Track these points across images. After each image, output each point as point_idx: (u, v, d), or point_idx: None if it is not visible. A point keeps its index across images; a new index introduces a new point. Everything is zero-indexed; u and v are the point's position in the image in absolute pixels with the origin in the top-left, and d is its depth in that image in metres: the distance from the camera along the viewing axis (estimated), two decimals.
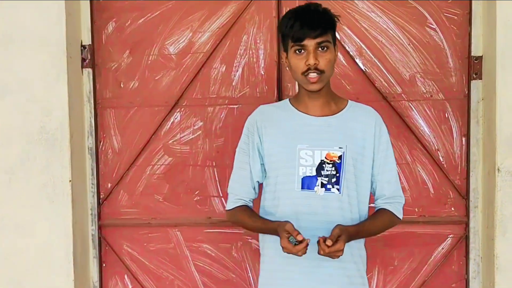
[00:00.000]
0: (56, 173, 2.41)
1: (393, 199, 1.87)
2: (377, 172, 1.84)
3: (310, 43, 1.70)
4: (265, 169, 1.86)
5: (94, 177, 2.58)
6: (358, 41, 2.49)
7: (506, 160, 2.31)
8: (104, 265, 2.63)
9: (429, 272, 2.52)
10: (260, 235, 1.91)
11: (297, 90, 2.43)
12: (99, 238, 2.61)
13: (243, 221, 1.87)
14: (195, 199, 2.57)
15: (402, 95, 2.49)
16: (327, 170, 1.74)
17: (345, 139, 1.77)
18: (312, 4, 1.78)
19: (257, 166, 1.85)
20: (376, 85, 2.49)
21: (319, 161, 1.75)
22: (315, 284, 1.78)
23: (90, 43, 2.54)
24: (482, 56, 2.44)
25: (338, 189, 1.76)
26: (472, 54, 2.45)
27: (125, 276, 2.62)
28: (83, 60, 2.54)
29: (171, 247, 2.59)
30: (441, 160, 2.50)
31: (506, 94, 2.30)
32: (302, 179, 1.75)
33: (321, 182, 1.75)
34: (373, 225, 1.83)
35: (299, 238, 1.61)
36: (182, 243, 2.59)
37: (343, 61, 2.50)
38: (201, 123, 2.56)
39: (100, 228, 2.61)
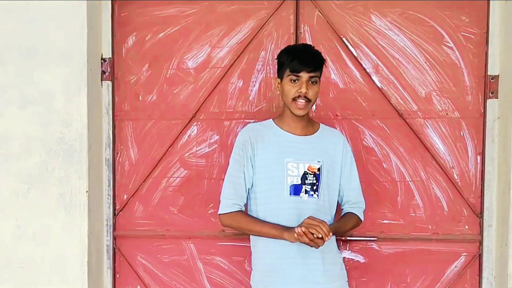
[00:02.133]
0: (74, 184, 2.44)
1: (357, 204, 2.27)
2: (343, 182, 2.24)
3: (304, 75, 2.07)
4: (254, 178, 2.18)
5: (110, 188, 2.61)
6: (375, 58, 2.51)
7: None
8: (117, 275, 2.64)
9: None
10: (252, 238, 2.21)
11: (313, 107, 2.50)
12: (114, 249, 2.63)
13: (241, 224, 2.15)
14: (209, 212, 2.59)
15: (418, 112, 2.51)
16: (309, 179, 2.12)
17: (321, 154, 2.17)
18: (309, 45, 2.18)
19: (250, 174, 2.17)
20: (392, 102, 2.51)
21: (303, 172, 2.11)
22: (303, 272, 2.10)
23: (110, 56, 2.58)
24: (498, 75, 2.45)
25: (317, 195, 2.14)
26: (489, 73, 2.46)
27: (138, 287, 2.64)
28: (103, 72, 2.57)
29: (185, 259, 2.61)
30: (456, 178, 2.51)
31: None
32: (290, 186, 2.11)
33: (305, 189, 2.12)
34: (345, 224, 2.22)
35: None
36: (196, 255, 2.60)
37: (360, 78, 2.53)
38: (217, 137, 2.58)
39: (115, 239, 2.63)
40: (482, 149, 2.49)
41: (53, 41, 2.41)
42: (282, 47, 2.50)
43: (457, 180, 2.51)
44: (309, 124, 2.20)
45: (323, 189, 2.14)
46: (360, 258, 2.55)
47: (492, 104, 2.46)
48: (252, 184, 2.17)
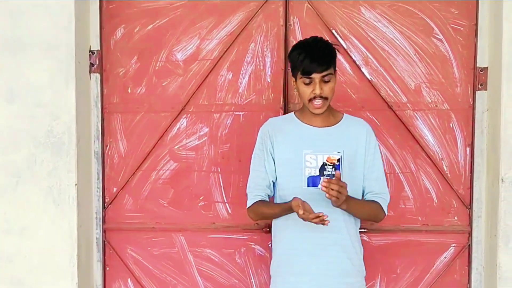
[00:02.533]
0: (62, 177, 2.43)
1: (380, 196, 2.18)
2: (366, 172, 2.18)
3: (316, 76, 2.03)
4: (276, 170, 2.17)
5: (99, 181, 2.60)
6: (365, 50, 2.51)
7: (510, 171, 2.32)
8: (107, 268, 2.64)
9: (431, 281, 2.53)
10: (273, 225, 2.21)
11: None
12: (103, 242, 2.62)
13: (262, 211, 2.18)
14: (199, 205, 2.58)
15: (407, 104, 2.51)
16: (328, 171, 2.04)
17: (342, 145, 2.09)
18: (318, 40, 2.10)
19: (271, 167, 2.18)
20: (381, 94, 2.51)
21: (322, 163, 2.04)
22: (320, 265, 2.09)
23: (99, 48, 2.56)
24: (487, 67, 2.45)
25: None
26: (478, 65, 2.47)
27: (129, 280, 2.63)
28: (91, 65, 2.56)
29: (175, 251, 2.60)
30: (445, 169, 2.52)
31: (511, 105, 2.31)
32: (308, 178, 2.04)
33: (324, 181, 2.04)
34: (364, 205, 2.15)
35: (314, 214, 1.93)
36: (186, 248, 2.60)
37: (349, 70, 2.52)
38: (207, 129, 2.57)
39: (104, 231, 2.62)
40: (471, 140, 2.50)
41: (39, 33, 2.39)
42: (272, 39, 2.53)
43: (447, 172, 2.52)
44: (330, 115, 2.17)
45: (344, 180, 2.05)
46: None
47: (481, 96, 2.47)
48: (276, 177, 2.18)
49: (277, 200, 2.20)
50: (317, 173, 2.04)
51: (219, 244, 2.59)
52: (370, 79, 2.51)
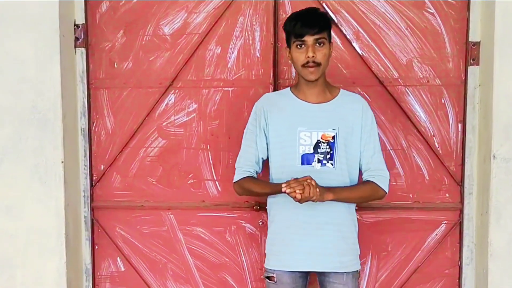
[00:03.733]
0: (48, 154, 2.39)
1: (376, 173, 2.14)
2: (363, 149, 2.14)
3: (309, 39, 2.01)
4: (268, 148, 2.15)
5: (86, 158, 2.56)
6: (356, 24, 2.46)
7: (502, 147, 2.30)
8: (96, 247, 2.61)
9: (423, 258, 2.52)
10: (269, 202, 2.19)
11: (293, 74, 2.46)
12: (92, 220, 2.59)
13: (250, 188, 2.16)
14: (188, 182, 2.55)
15: (399, 80, 2.47)
16: (322, 148, 2.06)
17: (337, 122, 2.09)
18: (313, 8, 2.10)
19: (263, 144, 2.16)
20: (372, 69, 2.47)
21: (316, 140, 2.06)
22: (315, 244, 2.07)
23: (84, 22, 2.50)
24: (480, 41, 2.42)
25: (332, 164, 2.08)
26: (470, 39, 2.43)
27: (118, 259, 2.61)
28: (76, 39, 2.50)
29: (164, 230, 2.58)
30: (437, 146, 2.49)
31: (503, 81, 2.28)
32: (301, 156, 2.06)
33: (318, 158, 2.07)
34: (352, 191, 2.10)
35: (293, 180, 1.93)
36: (176, 226, 2.57)
37: (340, 45, 2.48)
38: (195, 106, 2.53)
39: (92, 210, 2.59)
40: (463, 116, 2.47)
41: (22, 6, 2.33)
42: (261, 13, 2.48)
43: (438, 148, 2.49)
44: (326, 90, 2.13)
45: (339, 158, 2.07)
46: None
47: (473, 71, 2.44)
48: (268, 154, 2.16)
49: (271, 177, 2.16)
50: (311, 151, 2.05)
51: (209, 222, 2.56)
52: (361, 54, 2.47)
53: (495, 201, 2.32)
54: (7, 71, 2.36)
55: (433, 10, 2.44)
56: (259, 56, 2.49)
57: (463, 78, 2.45)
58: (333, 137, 2.05)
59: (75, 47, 2.50)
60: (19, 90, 2.37)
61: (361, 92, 2.48)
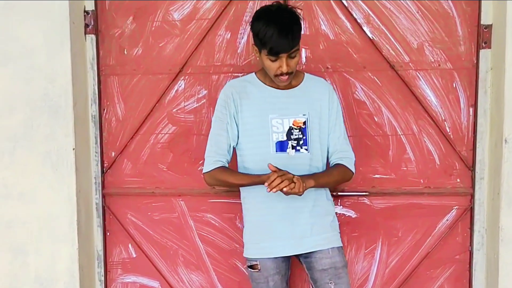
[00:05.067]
0: (60, 141, 2.40)
1: (343, 154, 2.19)
2: (330, 131, 2.17)
3: (283, 55, 1.98)
4: (238, 135, 2.14)
5: (97, 145, 2.57)
6: (366, 8, 2.44)
7: None
8: (108, 234, 2.63)
9: (433, 243, 2.51)
10: (242, 191, 2.20)
11: (303, 59, 2.46)
12: (103, 207, 2.61)
13: (224, 179, 2.13)
14: (199, 169, 2.54)
15: (410, 64, 2.46)
16: (295, 135, 2.08)
17: (307, 107, 2.12)
18: (283, 10, 2.00)
19: (234, 131, 2.14)
20: (383, 53, 2.45)
21: (288, 127, 2.08)
22: (294, 228, 2.09)
23: (93, 8, 2.50)
24: (491, 24, 2.39)
25: (306, 149, 2.11)
26: (482, 22, 2.40)
27: (129, 245, 2.62)
28: (86, 26, 2.50)
29: (175, 216, 2.59)
30: (448, 130, 2.48)
31: None
32: (275, 143, 2.08)
33: (292, 145, 2.09)
34: (328, 175, 2.13)
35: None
36: (186, 212, 2.58)
37: (350, 29, 2.46)
38: (205, 92, 2.53)
39: (104, 197, 2.60)
40: (474, 101, 2.45)
41: None
42: None
43: (449, 133, 2.48)
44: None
45: (313, 143, 2.11)
46: (352, 213, 2.53)
47: (485, 55, 2.41)
48: (238, 142, 2.15)
49: (241, 166, 2.17)
50: (285, 138, 2.07)
51: (220, 208, 2.57)
52: (371, 38, 2.45)
53: (506, 186, 2.30)
54: (18, 58, 2.37)
55: None
56: None
57: (475, 62, 2.43)
58: (304, 123, 2.08)
59: (85, 34, 2.50)
60: (30, 78, 2.37)
61: (372, 76, 2.47)
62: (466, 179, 2.50)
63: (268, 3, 2.42)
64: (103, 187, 2.60)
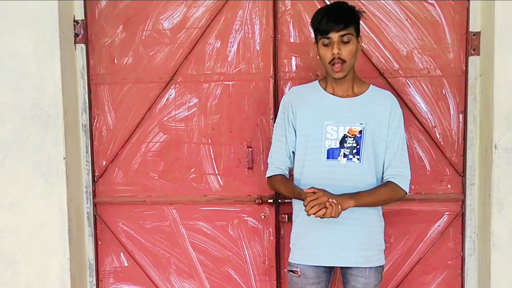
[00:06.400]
0: (50, 151, 2.39)
1: (398, 172, 2.11)
2: (387, 145, 2.11)
3: (334, 35, 1.98)
4: (296, 141, 2.14)
5: (88, 154, 2.57)
6: None
7: (504, 137, 2.29)
8: (99, 242, 2.62)
9: (425, 249, 2.52)
10: (293, 200, 2.18)
11: (293, 68, 2.48)
12: (94, 216, 2.60)
13: (278, 187, 2.16)
14: (190, 177, 2.56)
15: (399, 71, 2.47)
16: (349, 143, 2.04)
17: (364, 117, 2.07)
18: (340, 3, 2.07)
19: (292, 137, 2.14)
20: (373, 61, 2.46)
21: (343, 135, 2.04)
22: (337, 238, 2.06)
23: (83, 18, 2.50)
24: (480, 31, 2.41)
25: (358, 159, 2.06)
26: (470, 29, 2.42)
27: (121, 254, 2.62)
28: (76, 35, 2.50)
29: (167, 225, 2.59)
30: (438, 137, 2.49)
31: (504, 70, 2.27)
32: (327, 150, 2.05)
33: (344, 153, 2.05)
34: (373, 194, 2.05)
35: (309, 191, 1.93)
36: (178, 221, 2.58)
37: None
38: (196, 100, 2.53)
39: (95, 205, 2.60)
40: (464, 107, 2.46)
41: (22, 3, 2.33)
42: (260, 6, 2.48)
43: (439, 139, 2.49)
44: (355, 85, 2.11)
45: (366, 153, 2.05)
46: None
47: (474, 61, 2.43)
48: (295, 148, 2.15)
49: (296, 172, 2.14)
50: (337, 145, 2.04)
51: (212, 216, 2.57)
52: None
53: (497, 191, 2.31)
54: (7, 68, 2.37)
55: (432, 1, 2.43)
56: (259, 49, 2.49)
57: (464, 69, 2.44)
58: (360, 132, 2.03)
59: (75, 43, 2.51)
60: (20, 87, 2.37)
61: None
62: (457, 185, 2.51)
63: (259, 11, 2.46)
64: (94, 196, 2.59)
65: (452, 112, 2.48)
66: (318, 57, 2.08)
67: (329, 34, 1.97)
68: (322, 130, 2.04)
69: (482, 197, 2.43)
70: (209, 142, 2.54)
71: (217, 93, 2.51)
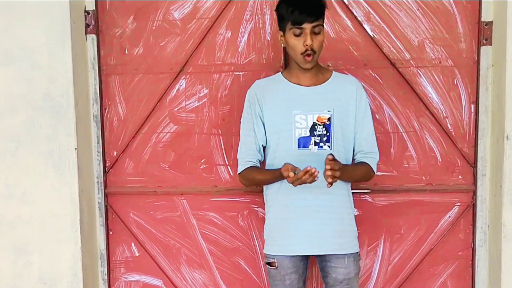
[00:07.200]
0: (62, 141, 2.40)
1: (369, 155, 2.18)
2: (357, 130, 2.15)
3: (307, 26, 1.98)
4: (266, 134, 2.15)
5: (99, 145, 2.57)
6: (366, 6, 2.44)
7: None
8: (111, 233, 2.64)
9: (436, 240, 2.51)
10: (265, 188, 2.20)
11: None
12: (106, 206, 2.61)
13: (253, 177, 2.17)
14: (201, 168, 2.56)
15: (411, 61, 2.45)
16: (319, 131, 2.06)
17: (332, 103, 2.08)
18: None
19: (261, 131, 2.15)
20: (384, 51, 2.45)
21: (312, 123, 2.05)
22: (312, 227, 2.09)
23: (94, 8, 2.50)
24: (492, 21, 2.39)
25: (329, 146, 2.08)
26: (482, 19, 2.40)
27: (132, 244, 2.63)
28: (87, 26, 2.50)
29: (178, 215, 2.59)
30: (449, 127, 2.48)
31: None
32: (298, 139, 2.06)
33: (314, 141, 2.06)
34: (355, 170, 2.15)
35: (302, 171, 1.91)
36: (189, 211, 2.59)
37: (351, 27, 2.46)
38: (206, 91, 2.53)
39: (106, 196, 2.61)
40: (475, 97, 2.44)
41: None
42: None
43: (451, 130, 2.48)
44: (319, 73, 2.13)
45: (336, 140, 2.08)
46: (354, 211, 2.53)
47: (486, 51, 2.41)
48: (266, 140, 2.16)
49: (268, 163, 2.16)
50: (308, 134, 2.06)
51: (222, 207, 2.57)
52: (372, 36, 2.45)
53: (508, 182, 2.30)
54: (19, 59, 2.37)
55: None
56: (269, 39, 2.48)
57: (476, 59, 2.43)
58: (329, 119, 2.05)
59: (86, 33, 2.51)
60: (31, 78, 2.38)
61: (373, 74, 2.46)
62: (468, 176, 2.49)
63: (270, 1, 2.45)
64: (105, 186, 2.60)
65: (463, 102, 2.46)
66: (282, 45, 2.09)
67: (302, 25, 1.97)
68: (291, 120, 2.05)
69: (493, 188, 2.42)
70: (219, 132, 2.54)
71: (227, 83, 2.51)
